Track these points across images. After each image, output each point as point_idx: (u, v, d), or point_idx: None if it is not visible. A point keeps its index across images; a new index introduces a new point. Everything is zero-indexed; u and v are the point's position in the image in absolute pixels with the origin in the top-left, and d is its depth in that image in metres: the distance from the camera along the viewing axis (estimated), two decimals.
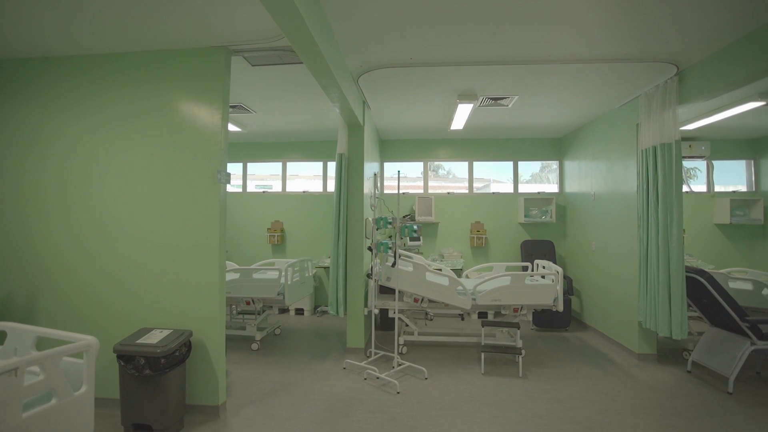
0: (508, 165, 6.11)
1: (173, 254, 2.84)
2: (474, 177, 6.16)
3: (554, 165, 6.14)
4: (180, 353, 2.61)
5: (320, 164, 6.32)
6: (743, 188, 5.57)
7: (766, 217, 5.22)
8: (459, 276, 5.04)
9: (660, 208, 3.43)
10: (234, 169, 6.47)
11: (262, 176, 6.55)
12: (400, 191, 6.11)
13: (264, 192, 6.42)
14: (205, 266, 2.80)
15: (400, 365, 3.61)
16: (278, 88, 3.87)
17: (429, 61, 3.23)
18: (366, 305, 4.11)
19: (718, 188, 5.54)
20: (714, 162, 5.51)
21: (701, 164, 5.63)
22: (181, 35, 2.72)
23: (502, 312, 3.94)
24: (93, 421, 1.74)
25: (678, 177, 3.37)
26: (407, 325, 4.21)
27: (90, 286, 2.90)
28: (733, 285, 3.80)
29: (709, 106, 4.02)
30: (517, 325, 3.86)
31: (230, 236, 6.15)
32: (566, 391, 3.23)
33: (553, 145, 6.00)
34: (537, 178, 6.48)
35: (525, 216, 5.74)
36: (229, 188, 6.50)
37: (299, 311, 5.86)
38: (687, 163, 5.53)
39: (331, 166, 6.21)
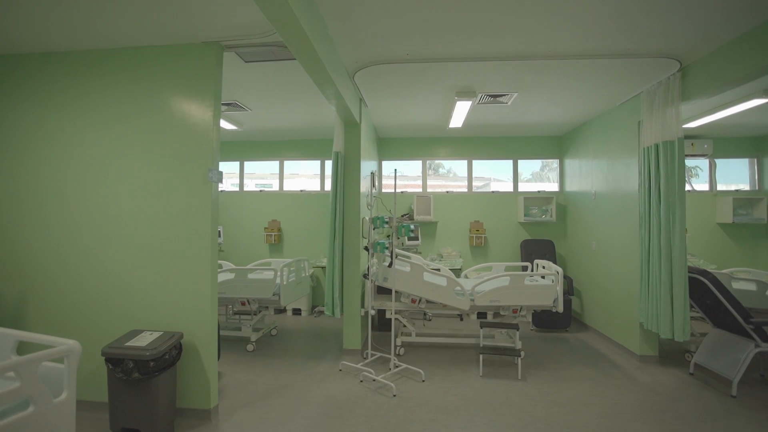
0: (509, 164, 6.04)
1: (164, 255, 2.78)
2: (474, 176, 6.09)
3: (555, 164, 6.06)
4: (170, 356, 2.55)
5: (318, 163, 6.26)
6: (746, 187, 5.49)
7: None
8: (458, 276, 4.98)
9: (662, 207, 3.36)
10: (231, 167, 6.41)
11: (263, 175, 6.48)
12: (400, 190, 6.08)
13: (261, 191, 6.36)
14: (197, 267, 2.74)
15: (397, 367, 3.55)
16: (274, 85, 3.80)
17: (426, 57, 3.16)
18: (363, 306, 4.04)
19: (720, 187, 5.46)
20: (716, 160, 5.43)
21: (703, 163, 5.55)
22: (171, 30, 2.66)
23: (501, 313, 3.88)
24: (74, 428, 1.68)
25: (681, 175, 3.29)
26: (405, 326, 4.14)
27: (80, 287, 2.85)
28: (736, 285, 3.73)
29: (711, 104, 3.95)
30: (516, 327, 3.79)
31: (227, 235, 6.10)
32: (566, 394, 3.17)
33: (553, 144, 5.92)
34: (538, 177, 6.41)
35: (525, 215, 5.67)
36: (226, 187, 6.44)
37: (296, 311, 5.80)
38: (688, 162, 5.45)
39: (329, 164, 6.13)
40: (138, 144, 2.83)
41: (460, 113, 4.46)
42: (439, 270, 4.43)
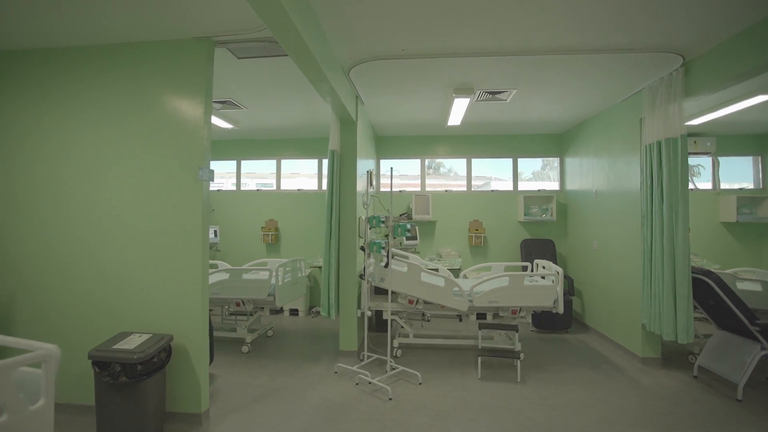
0: (509, 163, 5.96)
1: (153, 256, 2.72)
2: (475, 175, 6.01)
3: (556, 162, 5.98)
4: (159, 359, 2.48)
5: (315, 162, 6.19)
6: (750, 185, 5.40)
7: None
8: (457, 276, 4.91)
9: (665, 206, 3.28)
10: (228, 167, 6.35)
11: (263, 174, 6.40)
12: (398, 189, 6.00)
13: (258, 190, 6.30)
14: (187, 268, 2.68)
15: (393, 369, 3.48)
16: (269, 82, 3.73)
17: (422, 53, 3.08)
18: (359, 307, 3.98)
19: (724, 185, 5.37)
20: (720, 158, 5.34)
21: (705, 161, 5.46)
22: (161, 26, 2.60)
23: (500, 314, 3.81)
24: None
25: (684, 173, 3.21)
26: (403, 327, 4.07)
27: (69, 288, 2.78)
28: (741, 286, 3.64)
29: (714, 100, 3.86)
30: (515, 328, 3.72)
31: (224, 235, 6.04)
32: (566, 397, 3.09)
33: (553, 142, 5.84)
34: (539, 176, 6.31)
35: (525, 214, 5.59)
36: (223, 186, 6.38)
37: (294, 312, 5.73)
38: (691, 161, 5.36)
39: (327, 163, 6.07)
40: (126, 142, 2.77)
41: (458, 111, 4.38)
42: (437, 270, 4.36)
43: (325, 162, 6.07)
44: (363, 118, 4.48)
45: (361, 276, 3.89)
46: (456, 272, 5.22)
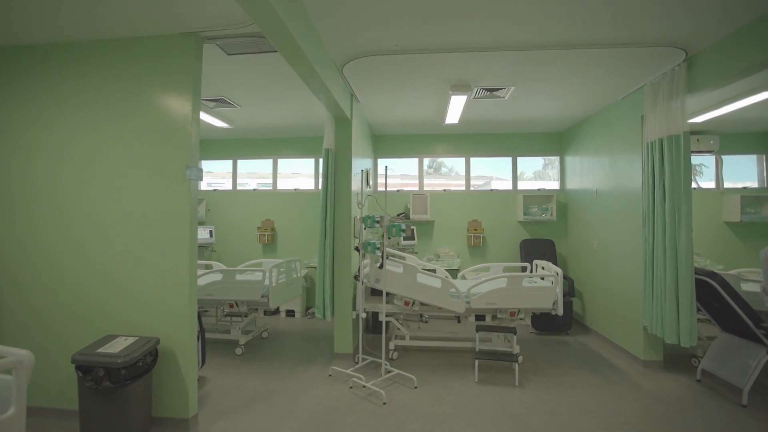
0: (509, 162, 5.87)
1: (140, 257, 2.65)
2: (475, 174, 5.92)
3: (557, 161, 5.89)
4: (144, 363, 2.41)
5: (312, 161, 6.12)
6: (754, 184, 5.30)
7: None
8: (455, 277, 4.83)
9: (667, 205, 3.19)
10: (224, 166, 6.28)
11: (264, 174, 6.31)
12: (396, 189, 5.92)
13: (254, 189, 6.23)
14: (174, 269, 2.60)
15: (388, 372, 3.40)
16: (261, 80, 3.66)
17: (416, 48, 3.00)
18: (354, 308, 3.90)
19: (727, 184, 5.27)
20: (723, 157, 5.24)
21: (708, 160, 5.36)
22: (147, 21, 2.53)
23: (499, 316, 3.73)
24: None
25: (687, 171, 3.12)
26: (399, 329, 3.99)
27: (55, 289, 2.72)
28: (745, 287, 3.55)
29: (718, 97, 3.77)
30: (513, 330, 3.64)
31: (219, 235, 5.97)
32: (565, 401, 3.01)
33: (553, 140, 5.75)
34: (540, 175, 6.21)
35: (524, 214, 5.50)
36: (220, 186, 6.32)
37: (290, 313, 5.66)
38: (693, 160, 5.25)
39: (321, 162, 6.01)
40: (111, 140, 2.70)
41: (455, 108, 4.30)
42: (434, 271, 4.28)
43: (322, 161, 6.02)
44: (359, 116, 4.40)
45: (356, 277, 3.81)
46: (454, 273, 5.14)
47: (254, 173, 6.42)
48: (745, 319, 2.93)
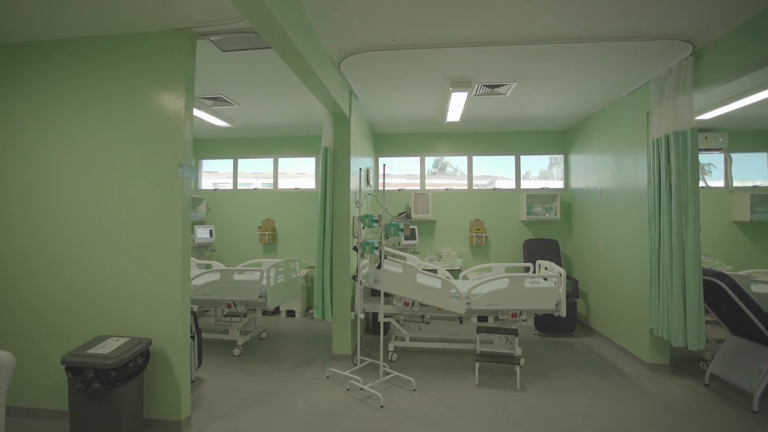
0: (513, 160, 5.77)
1: (132, 256, 2.61)
2: (479, 174, 5.83)
3: (562, 160, 5.78)
4: (135, 364, 2.37)
5: (313, 160, 6.07)
6: (765, 183, 5.15)
7: None
8: (456, 277, 4.75)
9: (674, 204, 3.09)
10: (224, 166, 6.26)
11: (268, 174, 6.27)
12: (397, 188, 5.85)
13: (255, 189, 6.20)
14: (167, 269, 2.56)
15: (387, 375, 3.34)
16: (259, 77, 3.62)
17: (414, 43, 2.94)
18: (353, 309, 3.84)
19: (736, 183, 5.13)
20: (732, 155, 5.10)
21: (716, 159, 5.23)
22: (139, 17, 2.49)
23: (500, 317, 3.64)
24: None
25: (694, 169, 3.02)
26: (399, 330, 3.92)
27: (46, 289, 2.69)
28: (756, 289, 3.42)
29: (726, 93, 3.66)
30: (515, 332, 3.55)
31: (220, 235, 5.95)
32: (568, 406, 2.92)
33: (557, 139, 5.65)
34: (546, 174, 6.09)
35: (528, 213, 5.41)
36: (220, 185, 6.29)
37: (290, 313, 5.62)
38: (701, 158, 5.12)
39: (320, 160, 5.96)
40: (103, 137, 2.67)
41: (456, 106, 4.22)
42: (435, 271, 4.21)
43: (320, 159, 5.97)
44: (358, 114, 4.34)
45: (354, 277, 3.75)
46: (456, 273, 5.06)
47: (259, 173, 6.38)
48: (755, 321, 2.83)
